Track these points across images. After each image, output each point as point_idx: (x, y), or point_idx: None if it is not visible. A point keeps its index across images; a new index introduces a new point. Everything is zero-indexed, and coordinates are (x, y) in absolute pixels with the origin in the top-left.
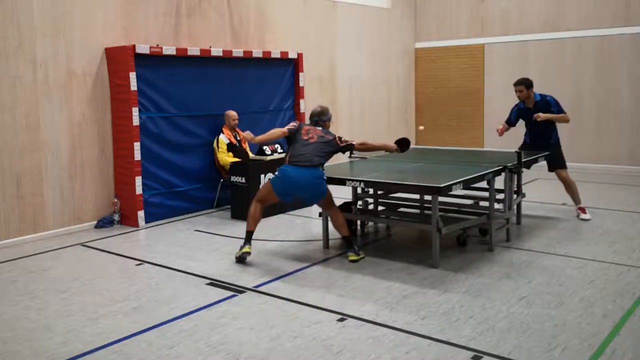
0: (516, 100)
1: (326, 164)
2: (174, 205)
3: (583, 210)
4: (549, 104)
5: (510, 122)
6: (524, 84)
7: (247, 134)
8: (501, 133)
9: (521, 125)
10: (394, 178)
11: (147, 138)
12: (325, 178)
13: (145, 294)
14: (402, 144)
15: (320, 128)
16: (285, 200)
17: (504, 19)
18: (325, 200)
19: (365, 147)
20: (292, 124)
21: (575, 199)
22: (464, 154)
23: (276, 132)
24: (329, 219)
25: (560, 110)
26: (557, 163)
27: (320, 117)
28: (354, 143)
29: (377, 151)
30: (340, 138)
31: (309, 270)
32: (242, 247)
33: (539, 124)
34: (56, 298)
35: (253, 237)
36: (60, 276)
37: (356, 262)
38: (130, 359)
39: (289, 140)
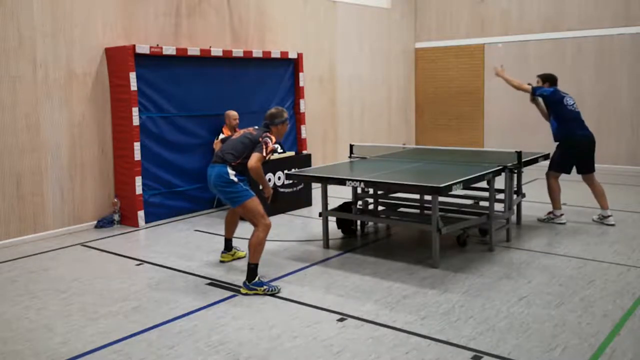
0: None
1: (322, 165)
2: (174, 205)
3: (551, 213)
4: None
5: None
6: (539, 76)
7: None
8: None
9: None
10: (394, 178)
11: (147, 138)
12: (236, 180)
13: (145, 294)
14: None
15: (258, 127)
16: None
17: (504, 19)
18: (243, 212)
19: (254, 171)
20: None
21: (555, 202)
22: (464, 154)
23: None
24: (328, 219)
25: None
26: (550, 163)
27: (273, 120)
28: (262, 153)
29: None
30: (264, 137)
31: (309, 270)
32: (221, 253)
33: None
34: (56, 298)
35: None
36: (60, 276)
37: (247, 295)
38: (130, 359)
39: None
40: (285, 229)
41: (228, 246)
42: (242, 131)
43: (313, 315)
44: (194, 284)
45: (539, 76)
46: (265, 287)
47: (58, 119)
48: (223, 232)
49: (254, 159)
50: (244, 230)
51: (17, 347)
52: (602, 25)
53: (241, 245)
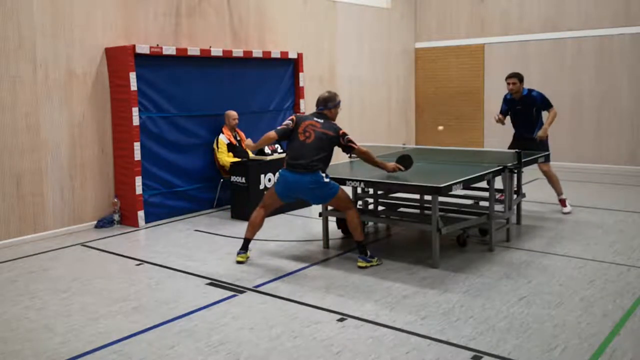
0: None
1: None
2: (174, 205)
3: (563, 202)
4: (534, 99)
5: (503, 112)
6: (517, 77)
7: (249, 142)
8: (499, 121)
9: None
10: (394, 178)
11: (147, 138)
12: (328, 180)
13: (145, 294)
14: (405, 162)
15: (322, 121)
16: (288, 201)
17: (504, 19)
18: (335, 203)
19: (365, 157)
20: (287, 122)
21: (558, 190)
22: (464, 154)
23: (269, 135)
24: (328, 219)
25: (546, 105)
26: (547, 155)
27: (327, 105)
28: (356, 147)
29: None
30: (344, 136)
31: (309, 270)
32: (237, 253)
33: (522, 114)
34: (56, 298)
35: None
36: (60, 276)
37: (365, 268)
38: (130, 359)
39: (286, 139)
40: (285, 229)
41: (246, 246)
42: (310, 131)
43: (313, 315)
44: (194, 284)
45: (517, 77)
46: (376, 258)
47: (58, 119)
48: (223, 232)
49: (366, 155)
50: (240, 228)
51: (17, 347)
52: (602, 25)
53: (237, 245)
